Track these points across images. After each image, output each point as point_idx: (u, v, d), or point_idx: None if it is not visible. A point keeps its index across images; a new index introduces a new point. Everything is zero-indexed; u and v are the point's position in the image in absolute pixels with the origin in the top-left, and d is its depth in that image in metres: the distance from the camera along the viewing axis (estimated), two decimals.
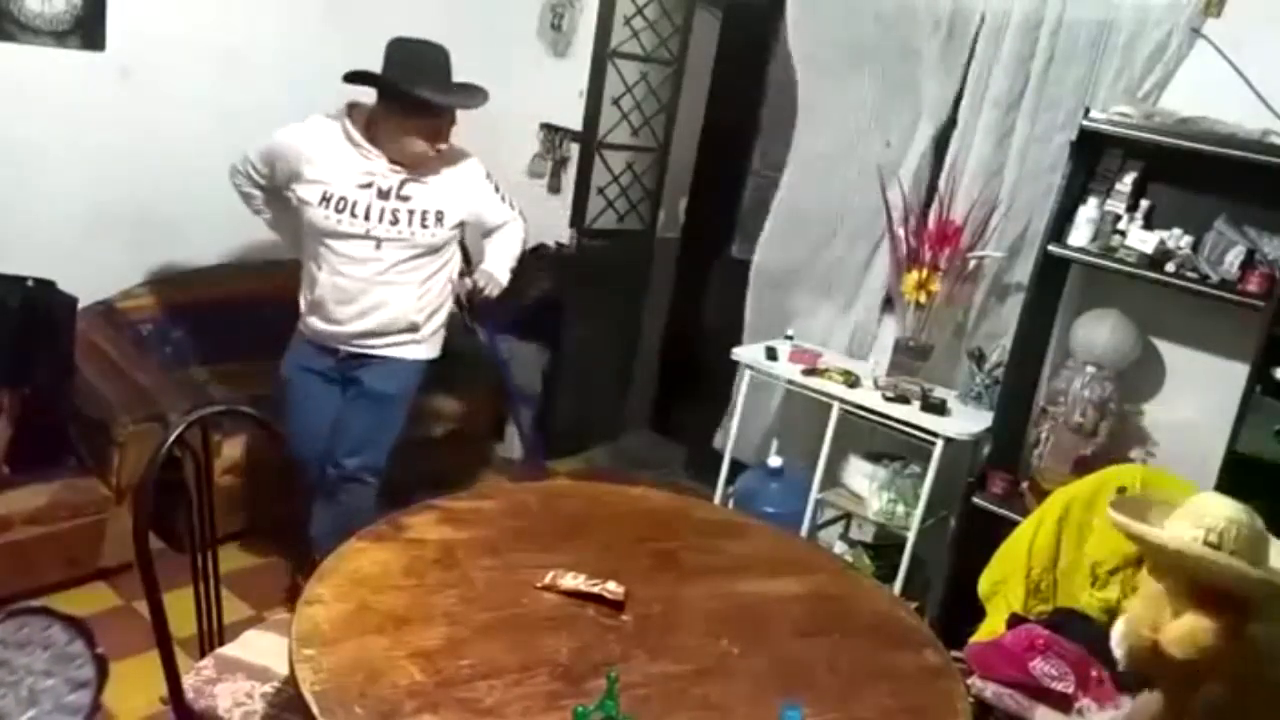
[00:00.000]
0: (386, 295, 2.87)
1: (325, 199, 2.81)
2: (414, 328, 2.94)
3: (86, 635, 2.39)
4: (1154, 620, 1.54)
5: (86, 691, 2.36)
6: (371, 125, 2.85)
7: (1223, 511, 1.52)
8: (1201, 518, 1.52)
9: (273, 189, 3.00)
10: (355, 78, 2.83)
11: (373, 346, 2.93)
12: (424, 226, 2.85)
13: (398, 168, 2.84)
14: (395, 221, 2.83)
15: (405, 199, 2.83)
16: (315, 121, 2.89)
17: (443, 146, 2.85)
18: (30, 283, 2.98)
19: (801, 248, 3.79)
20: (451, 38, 4.20)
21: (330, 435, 2.98)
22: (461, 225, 2.99)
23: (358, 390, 2.97)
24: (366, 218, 2.81)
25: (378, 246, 2.83)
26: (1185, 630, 1.50)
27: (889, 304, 3.70)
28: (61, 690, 2.34)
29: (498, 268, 3.06)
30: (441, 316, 3.04)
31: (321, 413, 2.99)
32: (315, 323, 2.94)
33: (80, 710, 2.34)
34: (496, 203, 3.05)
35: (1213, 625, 1.49)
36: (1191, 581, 1.51)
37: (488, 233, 3.10)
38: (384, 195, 2.82)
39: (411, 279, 2.90)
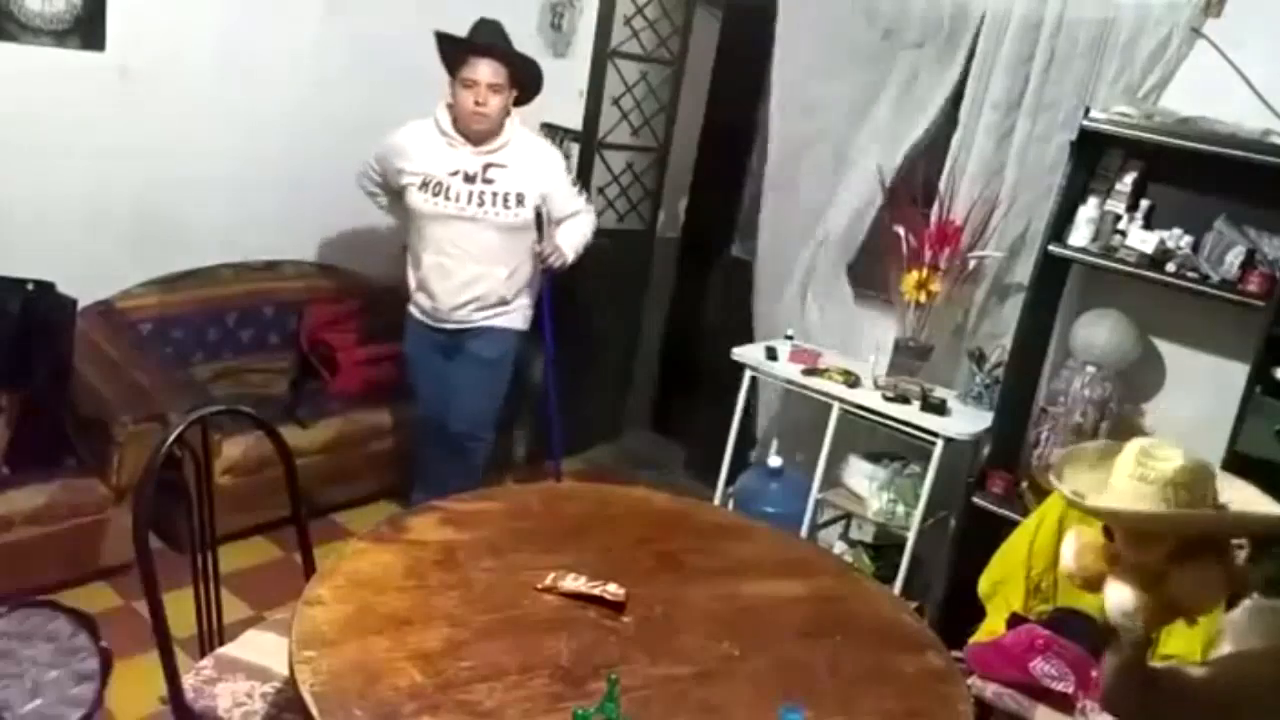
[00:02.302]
0: (479, 271, 3.25)
1: (424, 185, 3.22)
2: (504, 300, 3.31)
3: (91, 629, 2.39)
4: (1154, 583, 1.52)
5: (90, 685, 2.37)
6: (451, 110, 3.21)
7: (1172, 459, 1.49)
8: (1151, 468, 1.49)
9: (389, 188, 3.38)
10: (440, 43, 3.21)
11: (472, 319, 3.31)
12: (506, 207, 3.21)
13: (480, 152, 3.20)
14: (481, 203, 3.19)
15: (489, 182, 3.19)
16: (411, 124, 3.29)
17: (481, 101, 3.11)
18: (30, 286, 2.99)
19: (794, 246, 3.80)
20: None
21: (449, 402, 3.39)
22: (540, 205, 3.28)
23: (463, 358, 3.37)
24: (457, 200, 3.19)
25: (469, 226, 3.20)
26: (1195, 582, 1.49)
27: (880, 302, 3.71)
28: (65, 683, 2.34)
29: (566, 244, 3.36)
30: (531, 291, 3.41)
31: (441, 383, 3.40)
32: (422, 299, 3.35)
33: (84, 703, 2.35)
34: (570, 194, 3.40)
35: (1213, 571, 1.48)
36: (1176, 541, 1.49)
37: (559, 221, 3.39)
38: (470, 179, 3.19)
39: (500, 256, 3.26)
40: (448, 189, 3.20)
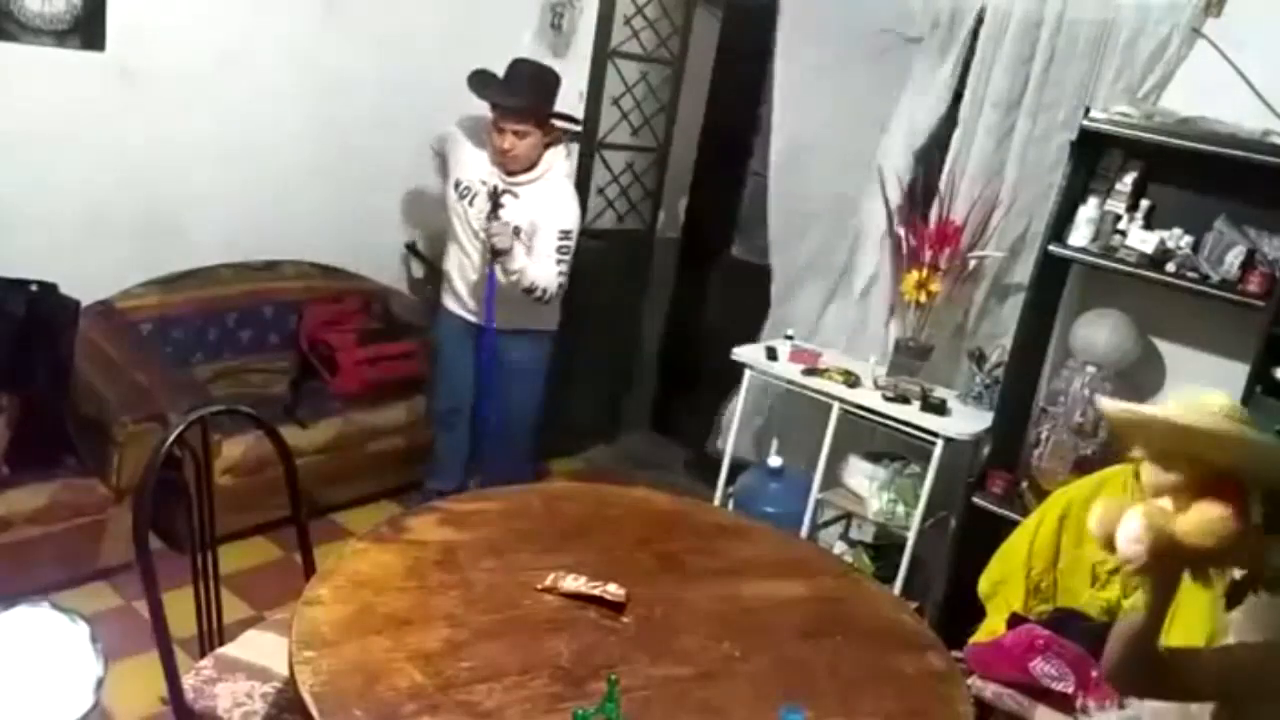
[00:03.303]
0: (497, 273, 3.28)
1: (457, 183, 3.37)
2: (522, 302, 3.32)
3: (86, 630, 2.38)
4: (1164, 518, 1.52)
5: (85, 685, 2.35)
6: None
7: (1222, 399, 1.51)
8: (1202, 407, 1.49)
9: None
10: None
11: (498, 320, 3.37)
12: (514, 234, 3.23)
13: (506, 176, 3.26)
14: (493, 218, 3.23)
15: (500, 206, 3.23)
16: (475, 116, 3.38)
17: (508, 146, 3.21)
18: (34, 287, 2.99)
19: (801, 245, 3.80)
20: (451, 38, 4.23)
21: (477, 393, 3.51)
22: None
23: (496, 357, 3.43)
24: (477, 209, 3.30)
25: (481, 236, 3.29)
26: (1202, 518, 1.48)
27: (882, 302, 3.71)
28: (60, 682, 2.33)
29: (519, 253, 3.23)
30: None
31: (470, 373, 3.49)
32: (450, 292, 3.48)
33: (79, 703, 2.33)
34: (548, 247, 3.26)
35: (1225, 511, 1.48)
36: (1204, 465, 1.49)
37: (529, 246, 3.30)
38: (491, 195, 3.25)
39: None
40: (474, 196, 3.31)
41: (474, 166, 3.33)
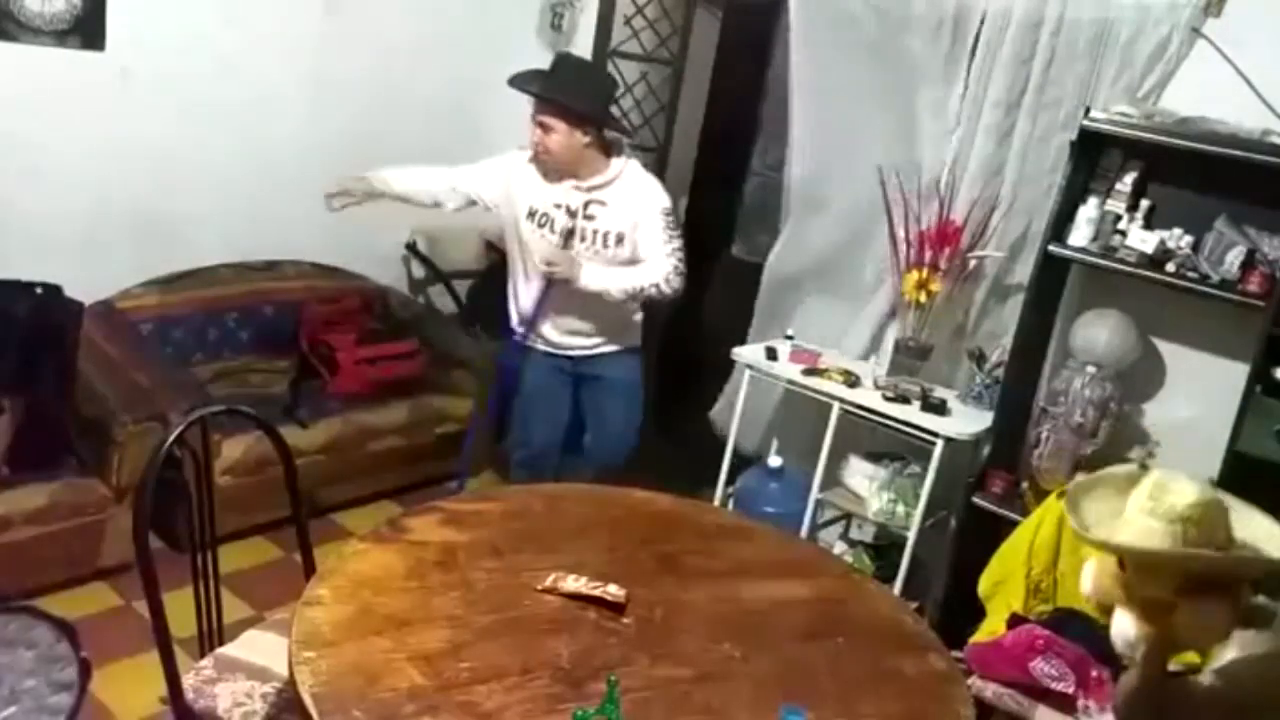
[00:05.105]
0: (581, 305, 3.17)
1: (531, 213, 3.16)
2: (613, 327, 3.27)
3: (72, 637, 2.37)
4: (1155, 615, 1.53)
5: (69, 694, 2.33)
6: None
7: (1186, 494, 1.50)
8: (1160, 501, 1.50)
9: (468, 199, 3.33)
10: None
11: (580, 345, 3.28)
12: (605, 246, 3.11)
13: (582, 188, 3.10)
14: (583, 239, 3.11)
15: (590, 218, 3.10)
16: (514, 153, 3.25)
17: (536, 140, 3.05)
18: (39, 289, 2.99)
19: (812, 245, 3.80)
20: (451, 38, 4.24)
21: (567, 423, 3.41)
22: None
23: (592, 387, 3.35)
24: (555, 233, 3.13)
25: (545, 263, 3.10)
26: (1198, 620, 1.49)
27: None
28: (43, 691, 2.31)
29: (596, 271, 3.09)
30: (622, 314, 3.28)
31: (564, 411, 3.39)
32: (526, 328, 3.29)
33: (61, 712, 2.31)
34: (655, 238, 3.09)
35: (1219, 606, 1.49)
36: (1183, 577, 1.50)
37: (636, 260, 3.14)
38: (572, 214, 3.12)
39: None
40: (552, 221, 3.13)
41: (546, 193, 3.14)
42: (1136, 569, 1.53)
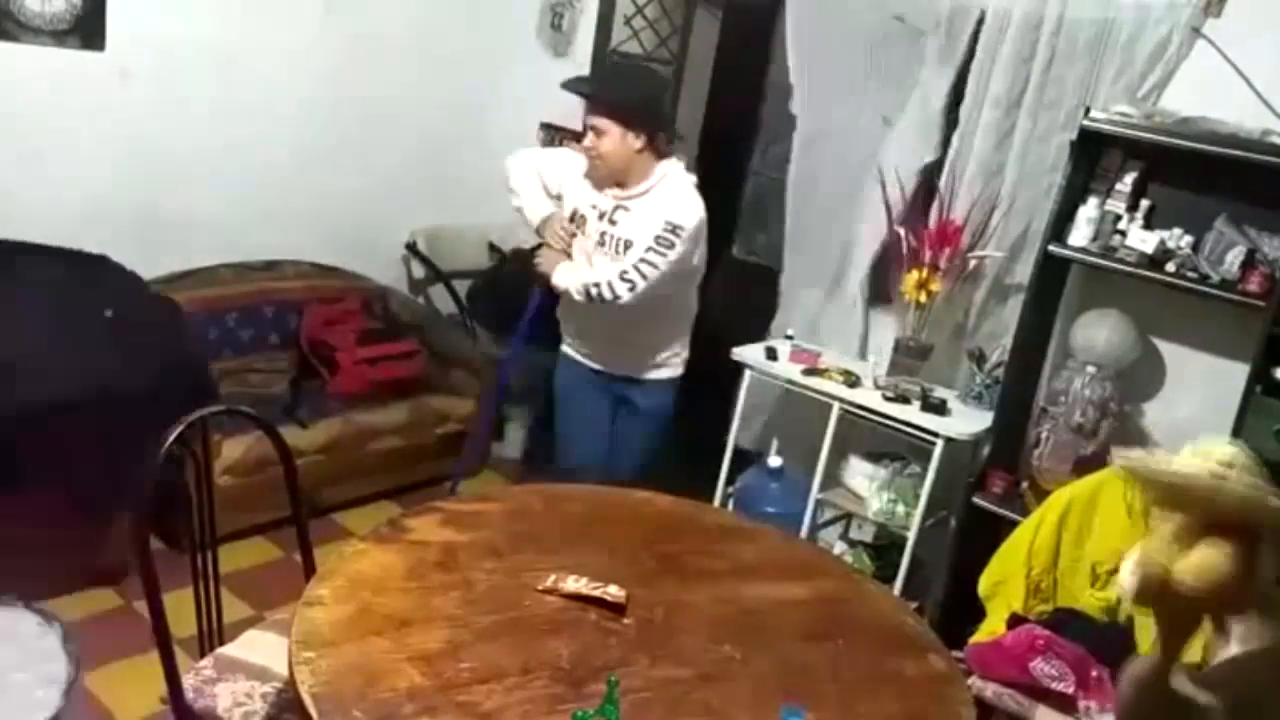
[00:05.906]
0: (616, 318, 2.99)
1: (572, 215, 3.05)
2: (652, 353, 3.12)
3: (60, 631, 2.36)
4: (1167, 556, 1.53)
5: (55, 688, 2.33)
6: None
7: (1227, 448, 1.52)
8: (1209, 454, 1.51)
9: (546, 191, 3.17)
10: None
11: (617, 366, 3.15)
12: (618, 253, 2.94)
13: (619, 194, 2.96)
14: (603, 243, 2.98)
15: (614, 224, 2.97)
16: (568, 150, 3.18)
17: (589, 144, 2.92)
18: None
19: (809, 243, 3.80)
20: (451, 38, 4.24)
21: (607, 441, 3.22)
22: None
23: (621, 409, 3.20)
24: (590, 236, 3.00)
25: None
26: (1199, 560, 1.49)
27: (879, 299, 3.70)
28: (30, 685, 2.31)
29: (566, 269, 3.01)
30: (684, 340, 3.16)
31: (598, 426, 3.22)
32: (568, 338, 3.21)
33: (47, 706, 2.31)
34: (642, 246, 2.86)
35: (1226, 554, 1.49)
36: (1205, 514, 1.50)
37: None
38: (601, 218, 3.00)
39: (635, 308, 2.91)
40: (585, 223, 3.02)
41: (584, 192, 3.02)
42: (1164, 502, 1.52)
